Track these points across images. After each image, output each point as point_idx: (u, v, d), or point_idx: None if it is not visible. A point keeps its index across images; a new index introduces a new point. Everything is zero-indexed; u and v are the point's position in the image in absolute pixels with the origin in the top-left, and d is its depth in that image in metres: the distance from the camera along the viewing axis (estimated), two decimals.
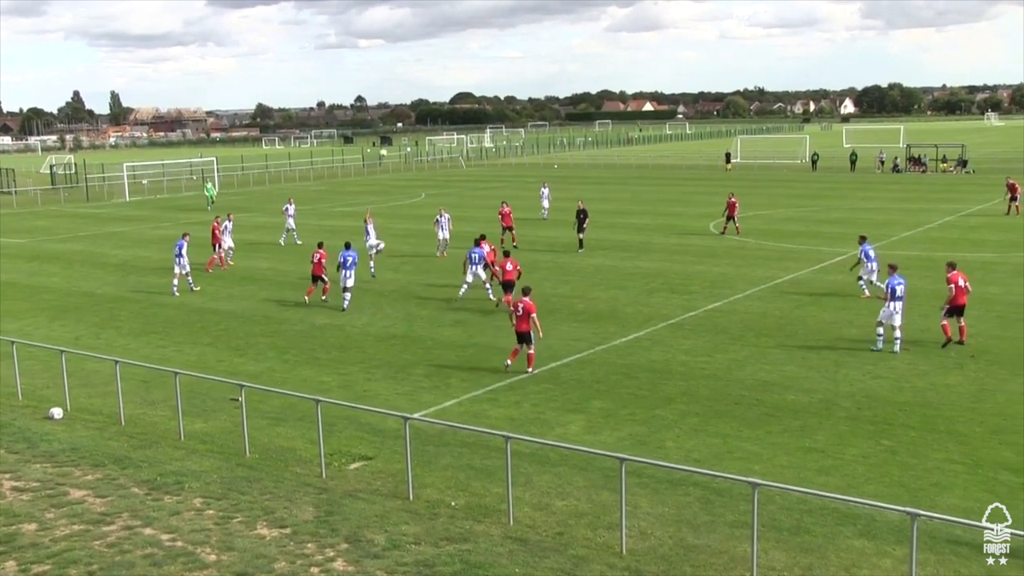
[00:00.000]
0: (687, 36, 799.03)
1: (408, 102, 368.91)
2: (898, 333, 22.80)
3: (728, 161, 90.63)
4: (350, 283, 29.34)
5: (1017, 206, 49.40)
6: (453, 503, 14.56)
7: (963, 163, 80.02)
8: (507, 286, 27.71)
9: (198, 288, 32.94)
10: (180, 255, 32.37)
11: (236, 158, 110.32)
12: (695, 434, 17.53)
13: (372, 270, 34.82)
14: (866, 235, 30.57)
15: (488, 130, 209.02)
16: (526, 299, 21.79)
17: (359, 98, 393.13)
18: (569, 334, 25.27)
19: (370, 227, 36.47)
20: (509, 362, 21.90)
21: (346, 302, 29.21)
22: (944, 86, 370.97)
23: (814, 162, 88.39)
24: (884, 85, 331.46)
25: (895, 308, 22.69)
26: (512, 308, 22.16)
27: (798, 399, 19.38)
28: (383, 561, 12.51)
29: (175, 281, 32.56)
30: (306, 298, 30.23)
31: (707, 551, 12.79)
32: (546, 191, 53.24)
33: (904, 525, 12.79)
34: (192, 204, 67.88)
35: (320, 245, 30.97)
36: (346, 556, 12.71)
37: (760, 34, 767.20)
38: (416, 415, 17.72)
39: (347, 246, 30.29)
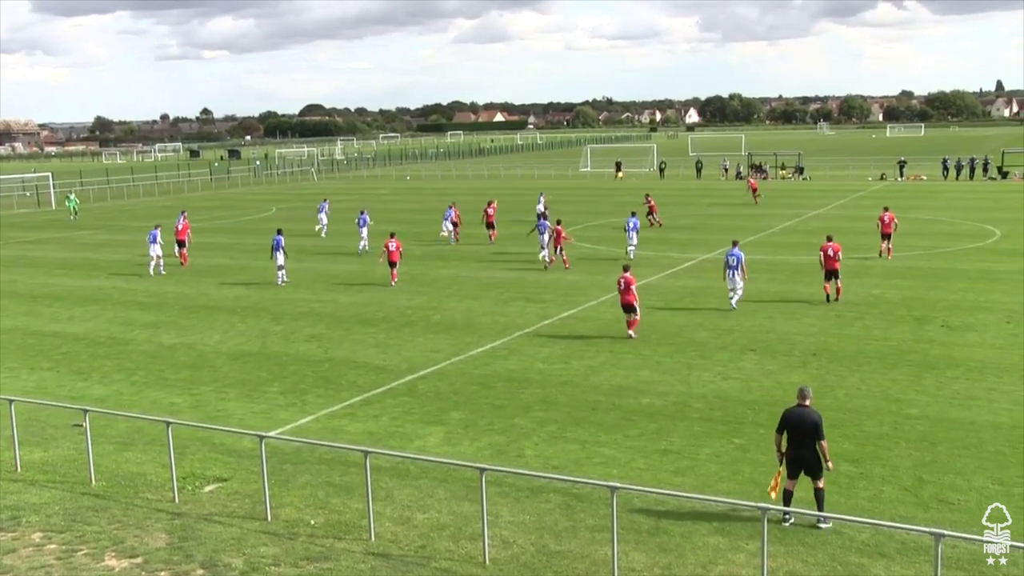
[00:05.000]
0: (534, 47, 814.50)
1: (256, 114, 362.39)
2: (739, 292, 28.49)
3: (618, 170, 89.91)
4: (281, 261, 34.80)
5: (757, 198, 60.93)
6: (312, 522, 14.26)
7: (800, 170, 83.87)
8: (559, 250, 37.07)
9: (165, 272, 38.17)
10: (154, 242, 38.13)
11: (74, 172, 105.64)
12: (554, 441, 17.70)
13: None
14: (636, 211, 40.95)
15: (339, 142, 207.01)
16: (627, 274, 25.27)
17: (205, 110, 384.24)
18: (425, 346, 25.18)
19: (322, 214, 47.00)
20: (631, 333, 25.16)
21: (280, 279, 34.89)
22: (780, 96, 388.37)
23: (662, 170, 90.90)
24: (725, 95, 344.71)
25: (731, 274, 28.26)
26: (618, 284, 25.52)
27: (653, 402, 19.83)
28: None
29: (151, 264, 38.20)
30: (392, 283, 34.19)
31: (569, 556, 12.92)
32: (543, 199, 53.34)
33: (756, 520, 13.25)
34: (26, 221, 64.61)
35: (392, 235, 34.72)
36: None
37: (605, 45, 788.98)
38: (272, 433, 17.30)
39: (279, 231, 35.81)
